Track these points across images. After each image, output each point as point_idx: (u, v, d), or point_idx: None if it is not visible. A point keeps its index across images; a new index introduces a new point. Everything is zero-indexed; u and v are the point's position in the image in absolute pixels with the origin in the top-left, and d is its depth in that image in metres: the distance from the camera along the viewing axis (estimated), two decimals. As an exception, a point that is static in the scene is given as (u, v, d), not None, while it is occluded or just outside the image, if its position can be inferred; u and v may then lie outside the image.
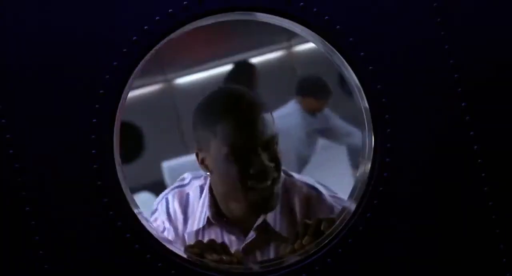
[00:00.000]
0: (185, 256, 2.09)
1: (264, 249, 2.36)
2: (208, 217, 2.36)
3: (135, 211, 2.06)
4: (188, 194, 2.43)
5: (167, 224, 2.40)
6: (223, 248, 2.18)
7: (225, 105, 2.30)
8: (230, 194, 2.32)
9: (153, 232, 2.07)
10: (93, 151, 2.01)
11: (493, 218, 2.09)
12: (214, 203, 2.37)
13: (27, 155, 2.00)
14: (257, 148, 2.23)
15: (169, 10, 2.03)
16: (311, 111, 6.31)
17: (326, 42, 2.09)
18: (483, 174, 2.09)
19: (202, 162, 2.33)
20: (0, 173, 2.00)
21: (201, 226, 2.37)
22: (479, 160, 2.09)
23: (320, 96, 6.28)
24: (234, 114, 2.26)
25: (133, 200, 2.10)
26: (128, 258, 2.02)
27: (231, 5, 2.06)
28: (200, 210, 2.39)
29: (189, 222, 2.39)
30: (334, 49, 2.09)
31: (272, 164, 2.26)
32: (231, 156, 2.24)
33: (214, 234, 2.36)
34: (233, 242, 2.36)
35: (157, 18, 2.03)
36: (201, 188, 2.42)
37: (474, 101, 2.09)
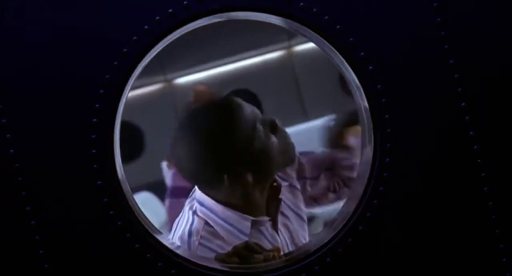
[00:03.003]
0: (183, 254, 2.09)
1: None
2: (252, 220, 2.32)
3: (135, 211, 2.06)
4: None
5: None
6: (259, 246, 2.18)
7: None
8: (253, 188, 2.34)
9: (153, 232, 2.07)
10: (93, 151, 2.01)
11: (493, 218, 2.09)
12: (244, 209, 2.34)
13: (27, 155, 2.00)
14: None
15: (169, 10, 2.03)
16: None
17: (326, 42, 2.09)
18: (483, 174, 2.09)
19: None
20: (0, 173, 2.00)
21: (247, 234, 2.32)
22: (479, 160, 2.09)
23: None
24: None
25: (133, 200, 2.10)
26: (128, 258, 2.02)
27: (231, 5, 2.06)
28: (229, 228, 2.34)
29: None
30: (334, 49, 2.09)
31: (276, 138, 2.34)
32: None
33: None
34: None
35: (157, 18, 2.03)
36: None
37: (474, 101, 2.09)
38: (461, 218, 2.10)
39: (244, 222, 2.31)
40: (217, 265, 2.10)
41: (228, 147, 2.26)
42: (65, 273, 2.01)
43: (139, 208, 2.11)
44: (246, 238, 2.29)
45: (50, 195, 2.00)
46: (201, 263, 2.07)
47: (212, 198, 2.33)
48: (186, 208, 2.38)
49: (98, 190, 2.01)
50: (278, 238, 2.36)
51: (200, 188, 2.35)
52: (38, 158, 2.01)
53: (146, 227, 2.06)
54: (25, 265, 2.01)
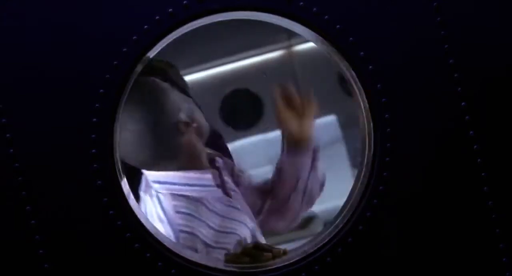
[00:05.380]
0: (183, 254, 2.09)
1: None
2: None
3: (135, 211, 2.06)
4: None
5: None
6: (268, 245, 2.24)
7: None
8: None
9: (153, 232, 2.07)
10: (93, 151, 2.01)
11: (493, 218, 2.09)
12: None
13: (27, 155, 2.00)
14: None
15: (169, 10, 2.03)
16: None
17: (326, 42, 2.09)
18: (483, 174, 2.09)
19: None
20: (0, 173, 2.00)
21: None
22: (479, 160, 2.09)
23: None
24: None
25: (133, 200, 2.10)
26: (128, 258, 2.02)
27: (231, 5, 2.06)
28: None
29: None
30: (334, 49, 2.09)
31: None
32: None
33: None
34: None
35: (157, 17, 2.03)
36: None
37: (474, 101, 2.09)
38: (461, 217, 2.10)
39: (205, 175, 2.46)
40: (217, 265, 2.11)
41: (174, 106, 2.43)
42: (65, 273, 2.01)
43: (139, 208, 2.11)
44: (214, 189, 2.45)
45: (50, 195, 2.01)
46: (201, 262, 2.08)
47: (166, 170, 2.44)
48: (145, 197, 2.46)
49: (98, 190, 2.01)
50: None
51: (151, 169, 2.44)
52: (38, 158, 2.01)
53: (146, 227, 2.06)
54: (25, 265, 2.01)
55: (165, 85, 2.49)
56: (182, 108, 2.47)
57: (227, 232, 2.43)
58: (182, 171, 2.45)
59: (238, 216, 2.48)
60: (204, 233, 2.39)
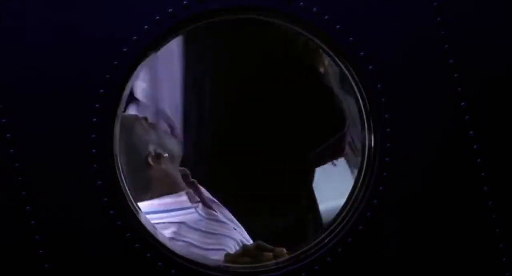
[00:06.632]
0: (183, 254, 2.09)
1: None
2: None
3: (135, 211, 2.06)
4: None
5: None
6: (267, 245, 2.23)
7: None
8: None
9: (153, 232, 2.07)
10: (93, 151, 2.01)
11: (493, 218, 2.09)
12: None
13: (27, 155, 2.00)
14: None
15: (169, 10, 2.04)
16: None
17: (326, 42, 2.09)
18: (483, 174, 2.09)
19: None
20: (0, 173, 2.00)
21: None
22: (478, 160, 2.09)
23: None
24: None
25: (133, 200, 2.10)
26: (128, 258, 2.02)
27: (231, 5, 2.06)
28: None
29: None
30: (334, 49, 2.09)
31: None
32: None
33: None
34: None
35: (157, 18, 2.03)
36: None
37: (474, 100, 2.09)
38: (461, 217, 2.10)
39: (180, 198, 2.42)
40: (217, 265, 2.11)
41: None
42: (65, 273, 2.02)
43: (139, 208, 2.11)
44: (193, 211, 2.41)
45: (50, 195, 2.01)
46: (201, 262, 2.08)
47: (141, 200, 2.38)
48: None
49: (98, 190, 2.01)
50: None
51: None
52: (38, 158, 2.01)
53: (146, 227, 2.06)
54: (25, 265, 2.01)
55: (132, 116, 2.47)
56: (150, 140, 2.45)
57: (215, 249, 2.39)
58: (157, 199, 2.42)
59: (223, 230, 2.45)
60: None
